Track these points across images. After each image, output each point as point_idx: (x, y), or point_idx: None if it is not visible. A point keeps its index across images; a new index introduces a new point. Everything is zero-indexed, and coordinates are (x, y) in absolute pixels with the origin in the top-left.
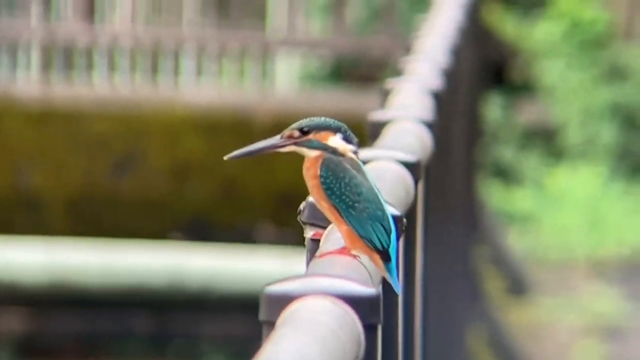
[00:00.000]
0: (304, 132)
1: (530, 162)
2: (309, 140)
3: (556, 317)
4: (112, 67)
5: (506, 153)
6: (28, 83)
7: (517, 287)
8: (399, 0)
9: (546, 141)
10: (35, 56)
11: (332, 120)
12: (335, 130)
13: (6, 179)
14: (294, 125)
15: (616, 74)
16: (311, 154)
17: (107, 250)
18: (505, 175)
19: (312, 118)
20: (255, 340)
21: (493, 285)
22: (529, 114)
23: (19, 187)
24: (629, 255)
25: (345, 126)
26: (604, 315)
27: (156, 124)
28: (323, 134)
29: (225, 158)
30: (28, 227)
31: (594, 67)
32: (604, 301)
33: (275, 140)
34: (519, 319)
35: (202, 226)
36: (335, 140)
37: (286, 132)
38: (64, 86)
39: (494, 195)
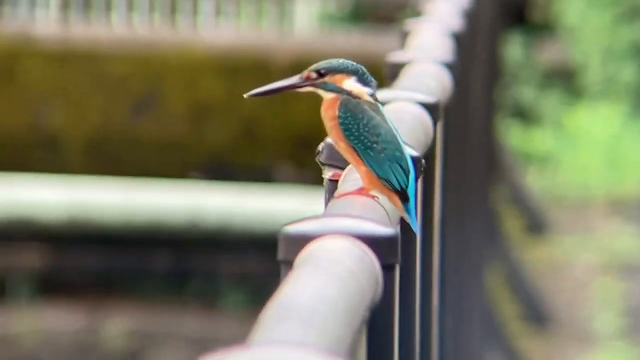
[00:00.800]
0: (321, 74)
1: (550, 102)
2: (325, 83)
3: (574, 256)
4: (130, 7)
5: (526, 93)
6: (47, 23)
7: (536, 226)
8: None
9: (567, 81)
10: None
11: (350, 62)
12: (352, 73)
13: (25, 118)
14: (313, 67)
15: (637, 13)
16: (327, 96)
17: (125, 189)
18: (524, 115)
19: (330, 60)
20: (273, 280)
21: (512, 224)
22: (549, 53)
23: (38, 127)
24: None
25: (364, 69)
26: (622, 253)
27: (175, 65)
28: (338, 77)
29: (245, 96)
30: (47, 166)
31: (615, 7)
32: (623, 239)
33: (294, 80)
34: (538, 257)
35: (221, 167)
36: (351, 84)
37: (305, 74)
38: (82, 26)
39: (513, 136)
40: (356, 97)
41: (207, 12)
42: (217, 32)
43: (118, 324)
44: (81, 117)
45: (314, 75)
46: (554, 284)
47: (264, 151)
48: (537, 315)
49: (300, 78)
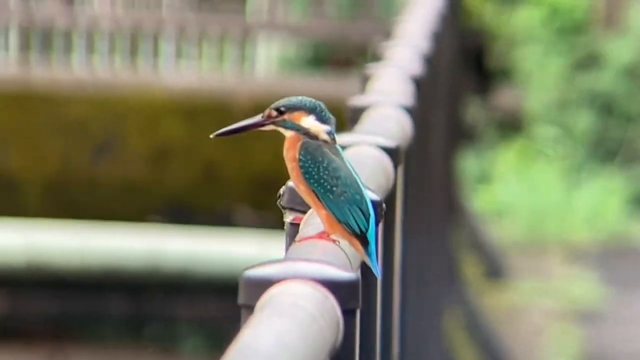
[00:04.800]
0: (280, 111)
1: (506, 151)
2: (284, 120)
3: (532, 301)
4: (91, 49)
5: (484, 140)
6: (6, 64)
7: (494, 271)
8: None
9: (523, 128)
10: (14, 37)
11: (309, 99)
12: (310, 110)
13: None
14: (273, 104)
15: (594, 61)
16: (287, 133)
17: (84, 232)
18: (482, 160)
19: (289, 98)
20: (233, 324)
21: (470, 269)
22: (506, 100)
23: None
24: (603, 240)
25: (322, 106)
26: (579, 299)
27: (136, 107)
28: (296, 114)
29: (210, 136)
30: (5, 209)
31: (572, 54)
32: (578, 285)
33: (256, 119)
34: (496, 303)
35: (181, 210)
36: (308, 121)
37: (266, 112)
38: (42, 68)
39: (471, 181)
40: (314, 135)
41: (168, 54)
42: (178, 74)
43: None
44: (40, 160)
45: (274, 113)
46: (512, 329)
47: (224, 194)
48: None
49: (262, 116)
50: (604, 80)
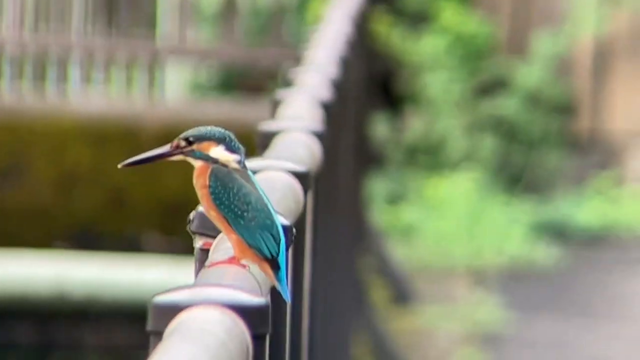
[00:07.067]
0: (189, 141)
1: (414, 174)
2: (193, 151)
3: (437, 325)
4: None
5: (391, 165)
6: None
7: (401, 296)
8: (287, 11)
9: (429, 153)
10: None
11: (218, 130)
12: (219, 140)
13: None
14: (182, 135)
15: (497, 86)
16: (196, 163)
17: None
18: (390, 187)
19: (198, 128)
20: (141, 351)
21: (377, 294)
22: (414, 125)
23: None
24: (507, 265)
25: (231, 135)
26: (483, 323)
27: (42, 132)
28: (205, 144)
29: (119, 166)
30: None
31: (475, 79)
32: (483, 309)
33: (164, 149)
34: (402, 327)
35: (89, 236)
36: (217, 151)
37: (174, 142)
38: None
39: (379, 208)
40: (224, 165)
41: (75, 80)
42: (86, 99)
43: None
44: None
45: (183, 143)
46: (418, 354)
47: (132, 220)
48: None
49: (170, 146)
50: (508, 106)
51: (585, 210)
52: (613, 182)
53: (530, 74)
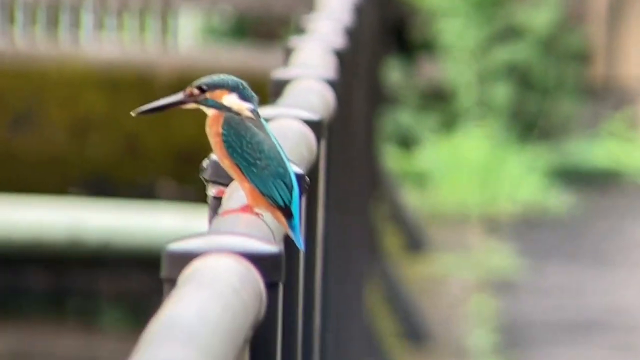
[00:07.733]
0: (202, 90)
1: (428, 122)
2: (206, 99)
3: (451, 273)
4: (10, 20)
5: (405, 112)
6: None
7: (414, 243)
8: None
9: (444, 101)
10: None
11: (231, 78)
12: (231, 88)
13: None
14: (194, 82)
15: (511, 33)
16: (209, 112)
17: (3, 205)
18: (404, 134)
19: (211, 76)
20: (155, 298)
21: (391, 242)
22: (428, 74)
23: None
24: (521, 212)
25: (244, 84)
26: (497, 270)
27: (55, 79)
28: (217, 92)
29: (132, 114)
30: None
31: (490, 26)
32: (497, 257)
33: (178, 97)
34: (416, 274)
35: (103, 183)
36: (230, 99)
37: (187, 90)
38: None
39: (393, 155)
40: (236, 113)
41: (88, 26)
42: (99, 45)
43: None
44: None
45: (196, 91)
46: (431, 301)
47: (146, 167)
48: (414, 332)
49: (184, 94)
50: (521, 52)
51: (599, 152)
52: (627, 125)
53: (542, 19)
